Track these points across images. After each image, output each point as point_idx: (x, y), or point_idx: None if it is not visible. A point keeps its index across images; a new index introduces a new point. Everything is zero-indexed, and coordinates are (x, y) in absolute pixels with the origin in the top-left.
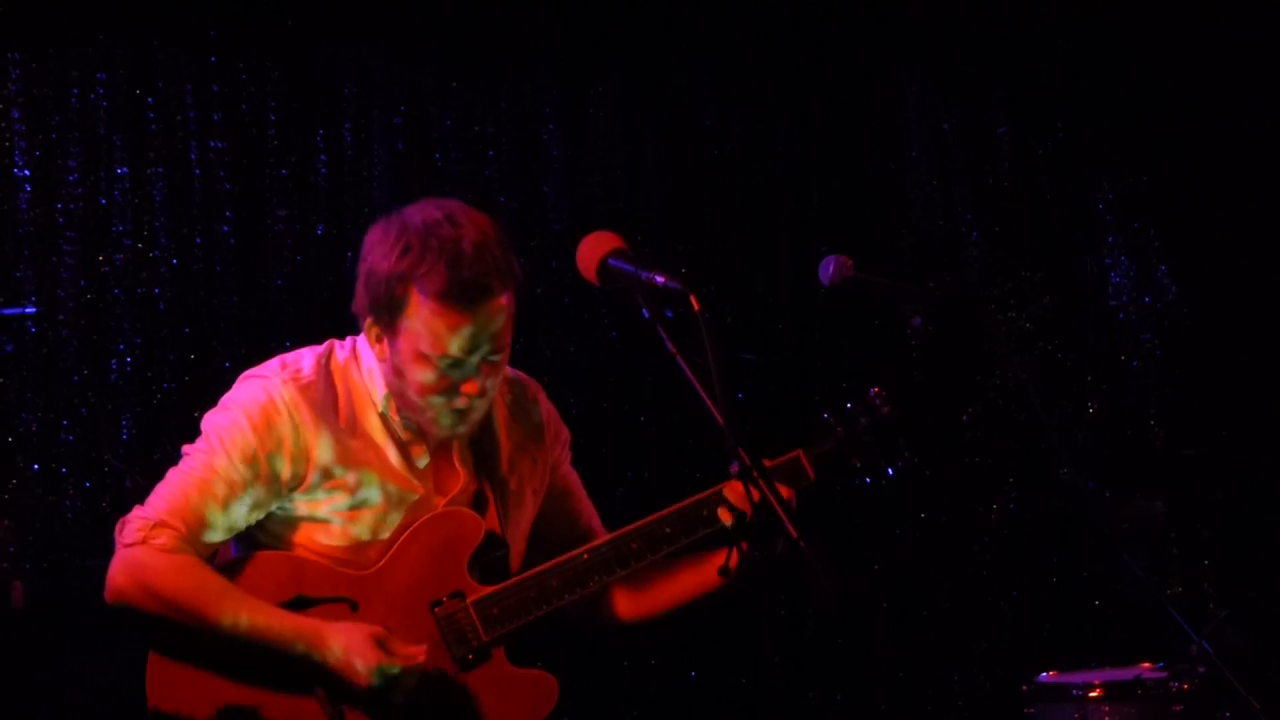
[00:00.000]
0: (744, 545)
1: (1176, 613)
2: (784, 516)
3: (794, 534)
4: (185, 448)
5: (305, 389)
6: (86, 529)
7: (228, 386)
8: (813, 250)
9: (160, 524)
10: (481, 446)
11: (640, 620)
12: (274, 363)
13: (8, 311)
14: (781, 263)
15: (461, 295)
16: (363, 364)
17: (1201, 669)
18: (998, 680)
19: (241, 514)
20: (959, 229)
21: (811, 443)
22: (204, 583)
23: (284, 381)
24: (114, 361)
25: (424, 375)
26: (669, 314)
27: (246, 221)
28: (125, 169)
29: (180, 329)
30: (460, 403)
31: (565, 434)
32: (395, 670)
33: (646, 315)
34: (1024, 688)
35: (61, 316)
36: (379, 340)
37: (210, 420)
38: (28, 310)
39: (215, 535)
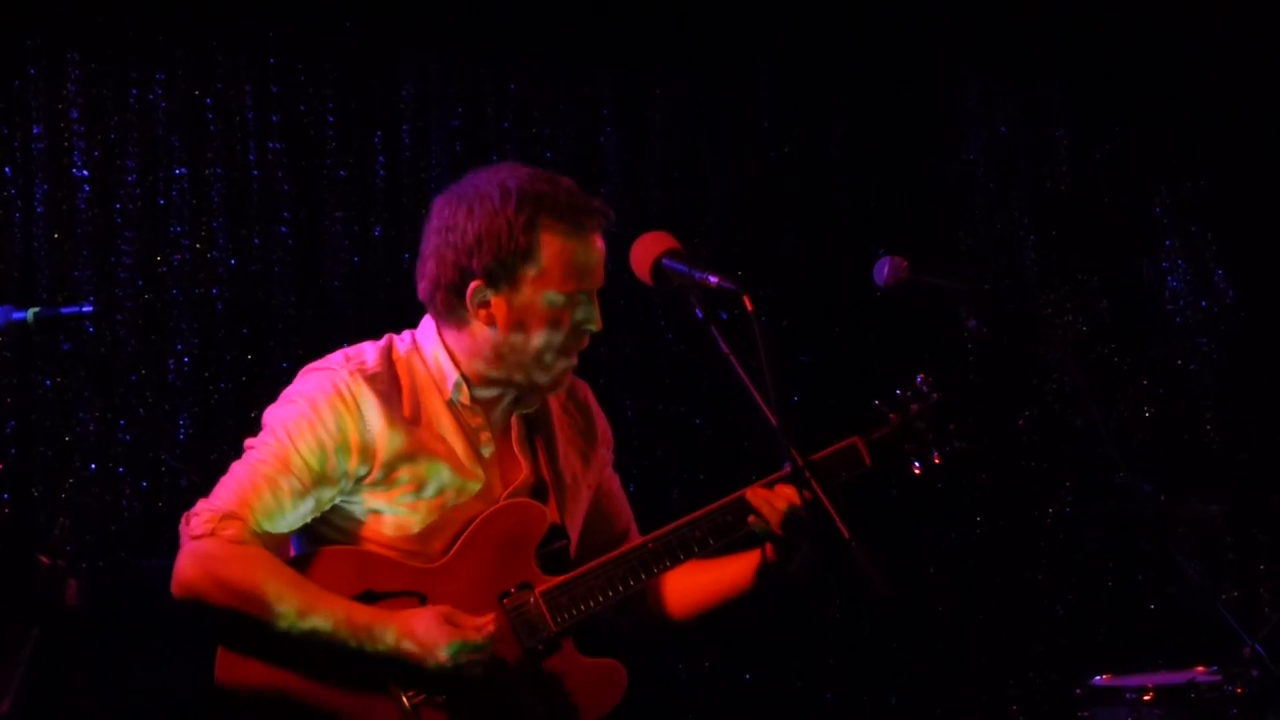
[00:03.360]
0: (769, 547)
1: (1231, 616)
2: (836, 517)
3: (846, 534)
4: (249, 441)
5: (372, 380)
6: (143, 529)
7: (285, 387)
8: (869, 252)
9: (228, 515)
10: (538, 438)
11: (687, 619)
12: (337, 355)
13: (65, 311)
14: (838, 265)
15: (592, 222)
16: (427, 354)
17: (1255, 673)
18: (1052, 684)
19: (309, 506)
20: (1016, 232)
21: (867, 430)
22: (276, 574)
23: (350, 373)
24: (171, 361)
25: (554, 319)
26: (723, 315)
27: (304, 222)
28: (184, 169)
29: (238, 329)
30: (580, 345)
31: (611, 435)
32: (471, 644)
33: (700, 316)
34: (1077, 691)
35: (119, 316)
36: (484, 305)
37: (275, 413)
38: (85, 310)
39: (282, 528)
